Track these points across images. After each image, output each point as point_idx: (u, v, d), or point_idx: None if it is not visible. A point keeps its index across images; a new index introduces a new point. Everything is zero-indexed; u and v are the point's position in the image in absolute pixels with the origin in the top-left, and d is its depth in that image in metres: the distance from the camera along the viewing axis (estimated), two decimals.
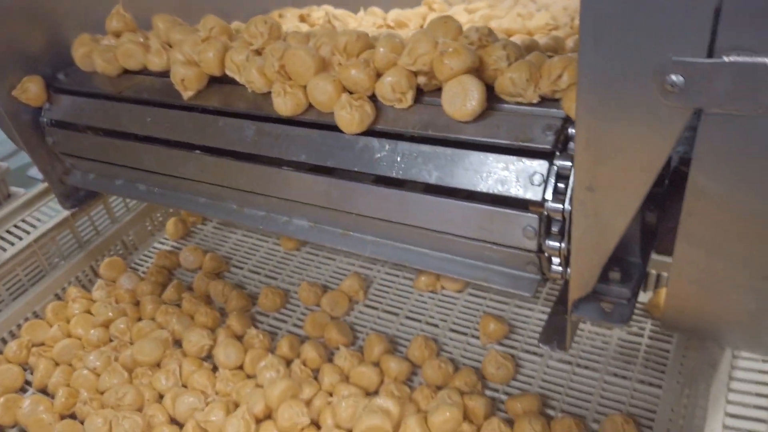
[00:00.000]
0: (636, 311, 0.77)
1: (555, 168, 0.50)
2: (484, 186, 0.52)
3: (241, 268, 0.96)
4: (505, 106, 0.52)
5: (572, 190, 0.48)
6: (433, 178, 0.55)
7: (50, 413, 0.75)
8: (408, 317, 0.83)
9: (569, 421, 0.64)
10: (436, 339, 0.78)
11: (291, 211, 0.68)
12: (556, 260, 0.52)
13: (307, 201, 0.64)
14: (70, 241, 0.96)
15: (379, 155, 0.58)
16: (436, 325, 0.81)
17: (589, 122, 0.36)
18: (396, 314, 0.84)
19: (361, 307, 0.86)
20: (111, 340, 0.84)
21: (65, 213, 0.94)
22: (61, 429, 0.72)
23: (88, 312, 0.88)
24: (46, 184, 0.97)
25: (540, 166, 0.50)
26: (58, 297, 0.93)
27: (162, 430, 0.70)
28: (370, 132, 0.57)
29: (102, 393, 0.76)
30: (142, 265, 1.00)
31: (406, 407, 0.66)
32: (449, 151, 0.54)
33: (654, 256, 0.76)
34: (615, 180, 0.40)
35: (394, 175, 0.57)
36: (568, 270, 0.52)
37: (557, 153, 0.49)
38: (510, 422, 0.65)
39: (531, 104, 0.51)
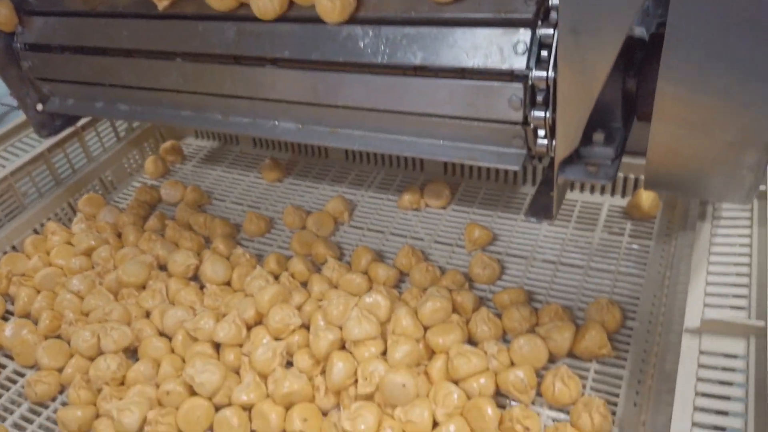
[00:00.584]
0: (616, 213, 0.80)
1: (538, 37, 0.50)
2: (469, 62, 0.53)
3: (223, 201, 0.96)
4: None
5: (555, 57, 0.49)
6: (418, 59, 0.55)
7: (35, 335, 0.74)
8: (393, 233, 0.84)
9: (555, 306, 0.65)
10: (423, 251, 0.79)
11: (278, 114, 0.68)
12: (541, 132, 0.54)
13: (293, 99, 0.64)
14: (47, 177, 0.95)
15: (363, 43, 0.58)
16: (421, 239, 0.82)
17: None
18: (381, 232, 0.84)
19: (347, 228, 0.86)
20: (93, 268, 0.83)
21: (40, 148, 0.93)
22: (47, 346, 0.71)
23: (69, 243, 0.87)
24: (21, 120, 0.95)
25: (523, 35, 0.51)
26: (36, 232, 0.91)
27: (152, 341, 0.70)
28: (353, 20, 0.57)
29: (87, 315, 0.76)
30: (121, 203, 0.99)
31: (396, 303, 0.67)
32: (434, 30, 0.55)
33: (629, 160, 0.79)
34: (598, 19, 0.41)
35: (379, 61, 0.57)
36: (554, 142, 0.53)
37: (539, 22, 0.50)
38: (499, 317, 0.67)
39: None
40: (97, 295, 0.77)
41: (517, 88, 0.52)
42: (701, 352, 0.47)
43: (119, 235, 0.89)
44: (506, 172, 0.87)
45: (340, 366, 0.61)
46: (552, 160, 0.56)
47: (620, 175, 0.80)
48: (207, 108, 0.72)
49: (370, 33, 0.58)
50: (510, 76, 0.52)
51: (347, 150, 0.98)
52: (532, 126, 0.53)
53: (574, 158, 0.53)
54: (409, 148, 0.62)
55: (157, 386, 0.65)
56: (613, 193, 0.82)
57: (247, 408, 0.62)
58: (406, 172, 0.94)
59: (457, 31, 0.54)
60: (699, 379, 0.45)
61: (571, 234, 0.78)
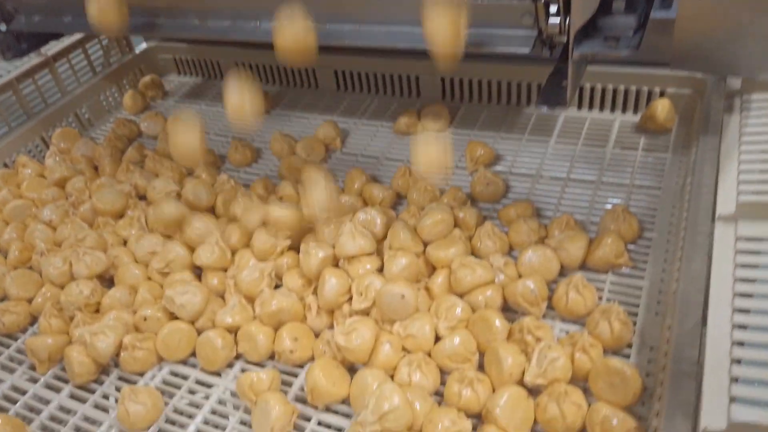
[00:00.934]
0: (628, 128, 0.74)
1: None
2: None
3: (207, 134, 0.90)
4: None
5: None
6: None
7: (3, 266, 0.68)
8: (389, 158, 0.78)
9: (567, 217, 0.60)
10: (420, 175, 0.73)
11: (260, 12, 0.61)
12: (553, 8, 0.48)
13: None
14: (17, 111, 0.88)
15: None
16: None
17: None
18: (376, 157, 0.79)
19: (339, 155, 0.81)
20: (67, 199, 0.77)
21: (7, 77, 0.86)
22: (15, 276, 0.66)
23: (41, 176, 0.81)
24: None
25: None
26: (6, 166, 0.85)
27: (129, 268, 0.64)
28: None
29: (59, 245, 0.70)
30: (99, 139, 0.93)
31: (393, 221, 0.62)
32: None
33: (641, 70, 0.73)
34: None
35: None
36: (568, 19, 0.47)
37: None
38: (505, 233, 0.61)
39: None
40: (70, 225, 0.71)
41: None
42: (738, 238, 0.42)
43: (96, 169, 0.83)
44: (509, 93, 0.81)
45: (332, 282, 0.56)
46: (564, 48, 0.51)
47: (632, 87, 0.74)
48: (182, 12, 0.66)
49: None
50: None
51: (338, 78, 0.92)
52: (542, 0, 0.47)
53: (590, 31, 0.47)
54: (405, 39, 0.56)
55: (134, 313, 0.60)
56: (624, 109, 0.76)
57: (233, 331, 0.57)
58: (401, 100, 0.88)
59: None
60: (737, 265, 0.40)
61: (580, 150, 0.72)
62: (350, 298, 0.56)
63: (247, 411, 0.52)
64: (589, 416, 0.45)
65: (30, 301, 0.65)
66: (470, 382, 0.48)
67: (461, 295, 0.55)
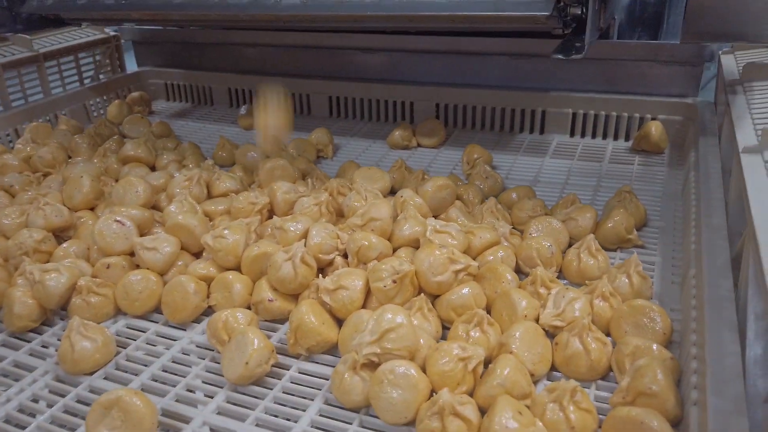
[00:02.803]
0: (621, 149, 0.75)
1: None
2: None
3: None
4: None
5: None
6: None
7: None
8: (381, 166, 0.76)
9: (572, 196, 0.58)
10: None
11: None
12: None
13: None
14: None
15: None
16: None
17: None
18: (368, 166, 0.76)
19: (329, 162, 0.78)
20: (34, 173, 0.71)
21: None
22: None
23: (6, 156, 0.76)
24: None
25: None
26: None
27: (90, 226, 0.58)
28: None
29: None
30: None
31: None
32: None
33: (636, 97, 0.75)
34: None
35: None
36: None
37: None
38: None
39: None
40: (34, 188, 0.65)
41: None
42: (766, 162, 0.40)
43: (68, 159, 0.78)
44: (502, 119, 0.82)
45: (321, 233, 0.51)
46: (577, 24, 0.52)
47: (624, 114, 0.76)
48: None
49: None
50: None
51: (331, 103, 0.92)
52: None
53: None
54: (424, 7, 0.56)
55: (92, 265, 0.53)
56: (616, 136, 0.77)
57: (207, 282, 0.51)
58: (395, 126, 0.88)
59: None
60: None
61: (576, 165, 0.72)
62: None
63: (215, 360, 0.45)
64: (617, 352, 0.39)
65: None
66: (479, 322, 0.42)
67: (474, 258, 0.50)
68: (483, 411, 0.36)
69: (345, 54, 0.91)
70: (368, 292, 0.47)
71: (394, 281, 0.44)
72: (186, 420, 0.40)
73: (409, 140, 0.80)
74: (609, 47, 0.74)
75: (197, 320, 0.50)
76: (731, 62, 0.65)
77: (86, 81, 0.97)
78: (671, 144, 0.73)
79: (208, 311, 0.50)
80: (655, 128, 0.71)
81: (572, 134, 0.79)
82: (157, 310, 0.51)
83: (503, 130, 0.83)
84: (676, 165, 0.69)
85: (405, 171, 0.68)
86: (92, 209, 0.63)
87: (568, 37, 0.53)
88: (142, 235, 0.55)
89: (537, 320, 0.43)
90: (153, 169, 0.72)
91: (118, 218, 0.53)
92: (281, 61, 0.96)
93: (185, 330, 0.49)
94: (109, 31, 1.00)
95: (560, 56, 0.49)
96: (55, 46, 0.91)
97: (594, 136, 0.78)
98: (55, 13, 0.76)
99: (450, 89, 0.84)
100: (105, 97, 0.98)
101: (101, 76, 0.99)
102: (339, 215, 0.59)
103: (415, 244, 0.52)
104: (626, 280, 0.45)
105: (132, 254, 0.54)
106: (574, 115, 0.78)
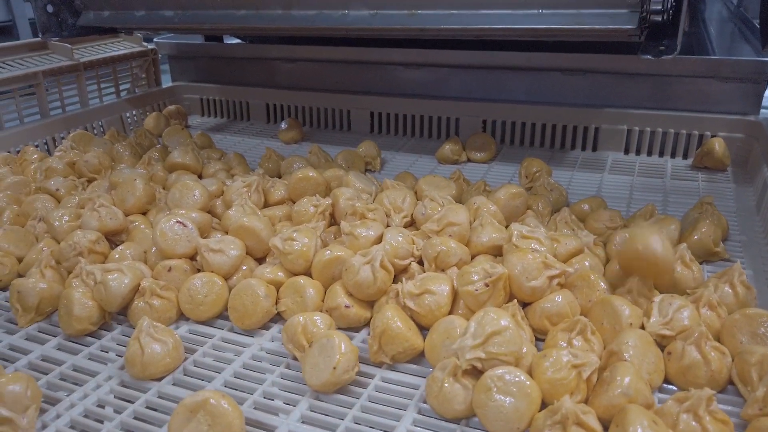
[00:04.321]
0: (682, 167, 0.73)
1: None
2: None
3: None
4: None
5: None
6: None
7: None
8: None
9: (651, 206, 0.55)
10: None
11: (347, 1, 0.61)
12: None
13: None
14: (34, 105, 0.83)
15: None
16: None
17: None
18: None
19: (377, 176, 0.76)
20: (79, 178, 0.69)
21: (34, 68, 0.82)
22: (8, 230, 0.56)
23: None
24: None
25: None
26: (10, 153, 0.78)
27: (145, 232, 0.56)
28: None
29: None
30: None
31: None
32: None
33: (696, 114, 0.73)
34: None
35: None
36: None
37: None
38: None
39: None
40: (81, 193, 0.63)
41: None
42: None
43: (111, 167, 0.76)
44: (553, 136, 0.80)
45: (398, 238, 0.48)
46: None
47: (683, 131, 0.74)
48: (265, 3, 0.65)
49: None
50: None
51: (372, 119, 0.90)
52: None
53: None
54: (500, 21, 0.55)
55: (152, 269, 0.51)
56: (674, 154, 0.75)
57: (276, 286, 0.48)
58: (438, 142, 0.86)
59: None
60: None
61: (637, 181, 0.69)
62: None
63: (290, 367, 0.42)
64: (740, 360, 0.36)
65: (20, 260, 0.54)
66: (582, 330, 0.39)
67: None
68: (601, 422, 0.33)
69: (386, 69, 0.90)
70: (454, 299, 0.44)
71: (487, 284, 0.41)
72: (270, 429, 0.37)
73: (459, 154, 0.78)
74: (668, 63, 0.73)
75: (265, 326, 0.47)
76: None
77: (122, 93, 0.96)
78: (732, 161, 0.71)
79: (276, 318, 0.47)
80: (718, 145, 0.70)
81: (626, 152, 0.77)
82: (221, 316, 0.48)
83: (554, 147, 0.81)
84: (743, 182, 0.67)
85: (463, 183, 0.66)
86: (144, 214, 0.60)
87: (646, 40, 0.51)
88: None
89: (642, 327, 0.40)
90: (200, 177, 0.70)
91: (180, 220, 0.51)
92: (320, 75, 0.94)
93: (253, 336, 0.46)
94: (147, 44, 0.99)
95: (649, 57, 0.48)
96: (94, 57, 0.90)
97: (650, 153, 0.76)
98: (111, 25, 0.75)
99: (499, 105, 0.82)
100: (140, 110, 0.97)
101: (137, 90, 0.98)
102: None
103: (494, 252, 0.49)
104: (729, 290, 0.43)
105: (192, 258, 0.51)
106: (629, 132, 0.77)
